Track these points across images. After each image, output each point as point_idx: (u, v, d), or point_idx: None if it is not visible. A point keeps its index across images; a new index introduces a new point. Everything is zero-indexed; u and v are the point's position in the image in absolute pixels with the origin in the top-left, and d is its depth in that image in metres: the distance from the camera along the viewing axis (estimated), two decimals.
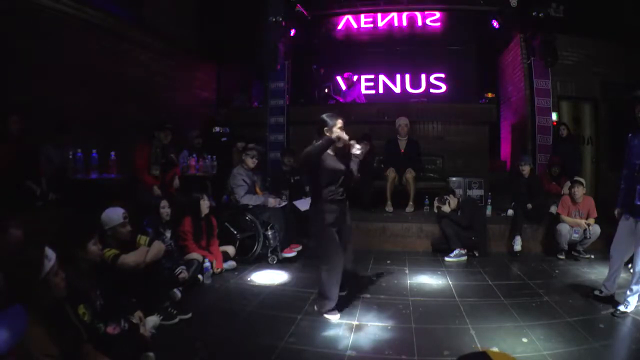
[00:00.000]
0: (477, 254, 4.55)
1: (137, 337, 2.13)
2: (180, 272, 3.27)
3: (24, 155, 3.42)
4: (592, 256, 4.44)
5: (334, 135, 2.79)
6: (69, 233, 2.15)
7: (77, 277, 1.95)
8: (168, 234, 3.60)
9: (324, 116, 2.90)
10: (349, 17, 8.14)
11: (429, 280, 3.78)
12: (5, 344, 1.30)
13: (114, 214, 2.71)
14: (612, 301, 3.07)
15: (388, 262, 4.35)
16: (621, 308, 2.88)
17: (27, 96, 3.96)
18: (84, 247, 2.13)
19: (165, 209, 3.62)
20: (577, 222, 4.41)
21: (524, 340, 2.50)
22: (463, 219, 4.56)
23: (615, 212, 3.16)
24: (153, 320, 2.45)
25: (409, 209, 5.52)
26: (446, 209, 4.66)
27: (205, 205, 3.91)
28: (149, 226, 3.44)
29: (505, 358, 2.04)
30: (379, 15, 8.10)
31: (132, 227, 2.83)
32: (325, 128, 2.85)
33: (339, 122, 2.86)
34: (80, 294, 1.91)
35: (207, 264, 3.65)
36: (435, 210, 4.88)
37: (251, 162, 4.54)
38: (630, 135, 3.00)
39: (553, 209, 4.74)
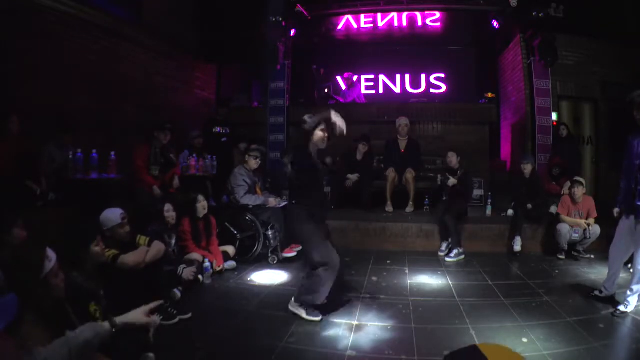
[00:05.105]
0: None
1: (138, 337, 2.12)
2: (183, 273, 3.26)
3: (24, 155, 3.42)
4: (592, 256, 4.44)
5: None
6: (73, 235, 2.14)
7: (83, 278, 1.95)
8: (173, 241, 3.56)
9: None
10: (349, 17, 8.15)
11: (429, 280, 3.78)
12: None
13: (112, 215, 2.69)
14: (612, 301, 3.07)
15: (388, 262, 4.35)
16: (621, 308, 2.88)
17: (27, 96, 3.97)
18: (87, 249, 2.13)
19: (170, 213, 3.53)
20: (577, 222, 4.42)
21: (524, 340, 2.50)
22: (468, 189, 5.02)
23: (614, 211, 3.16)
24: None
25: (409, 209, 5.52)
26: (452, 181, 4.91)
27: (201, 206, 3.88)
28: (154, 235, 3.34)
29: (497, 349, 2.04)
30: (379, 15, 8.10)
31: (131, 227, 2.83)
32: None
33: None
34: (88, 293, 1.91)
35: (207, 264, 3.65)
36: (439, 183, 5.14)
37: (254, 164, 4.54)
38: (629, 136, 3.00)
39: (553, 209, 4.74)
